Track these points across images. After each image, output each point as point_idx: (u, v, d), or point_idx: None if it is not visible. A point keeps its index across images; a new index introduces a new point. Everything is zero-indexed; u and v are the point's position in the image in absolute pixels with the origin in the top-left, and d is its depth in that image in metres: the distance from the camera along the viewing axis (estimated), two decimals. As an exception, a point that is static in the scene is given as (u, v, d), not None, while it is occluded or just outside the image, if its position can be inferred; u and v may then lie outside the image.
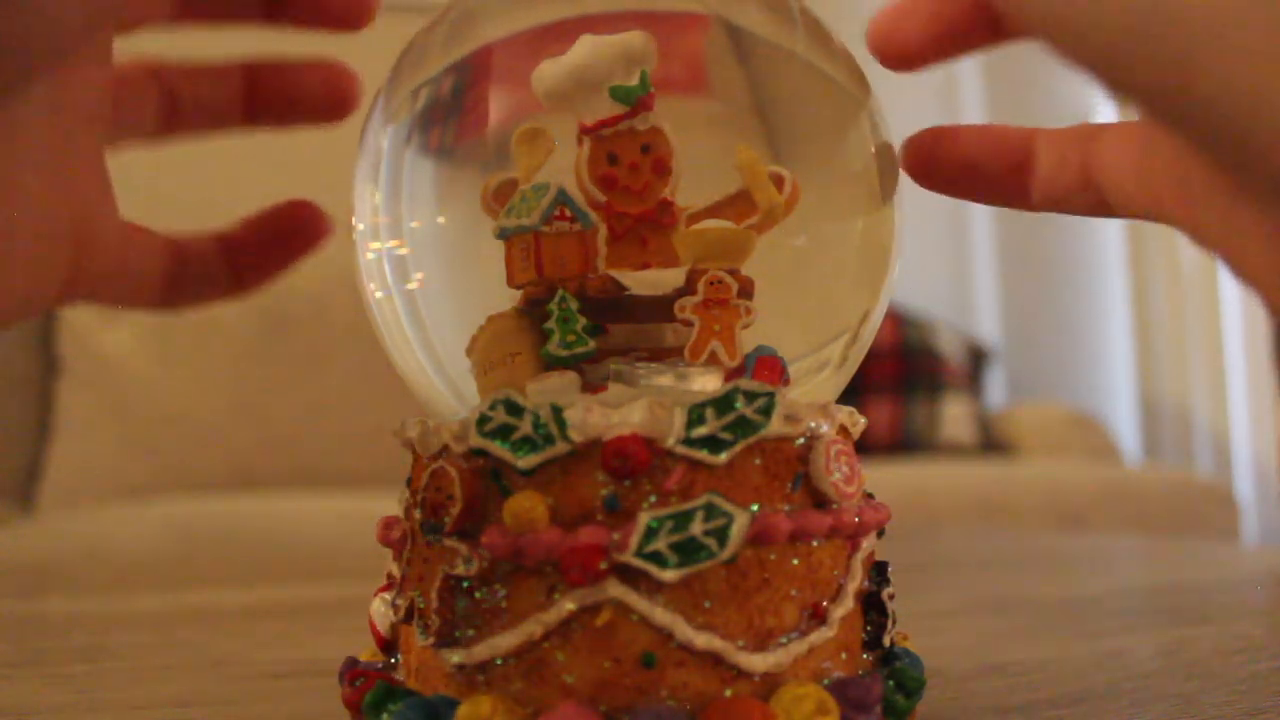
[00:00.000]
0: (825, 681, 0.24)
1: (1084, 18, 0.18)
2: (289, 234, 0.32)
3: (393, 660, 0.27)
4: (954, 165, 0.28)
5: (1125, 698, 0.32)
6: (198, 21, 0.31)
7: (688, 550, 0.22)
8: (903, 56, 0.27)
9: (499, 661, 0.23)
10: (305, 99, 0.32)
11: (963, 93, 2.41)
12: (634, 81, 0.27)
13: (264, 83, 0.31)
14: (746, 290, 0.26)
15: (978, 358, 2.21)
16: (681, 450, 0.23)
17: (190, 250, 0.31)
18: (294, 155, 1.56)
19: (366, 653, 0.29)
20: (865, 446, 0.28)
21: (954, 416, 2.03)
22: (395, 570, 0.27)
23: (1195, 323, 2.32)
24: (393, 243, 0.30)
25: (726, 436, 0.23)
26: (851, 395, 0.28)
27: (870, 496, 0.27)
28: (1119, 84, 0.19)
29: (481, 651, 0.24)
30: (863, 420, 0.28)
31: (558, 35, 0.28)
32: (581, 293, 0.26)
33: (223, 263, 0.31)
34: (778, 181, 0.28)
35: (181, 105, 0.31)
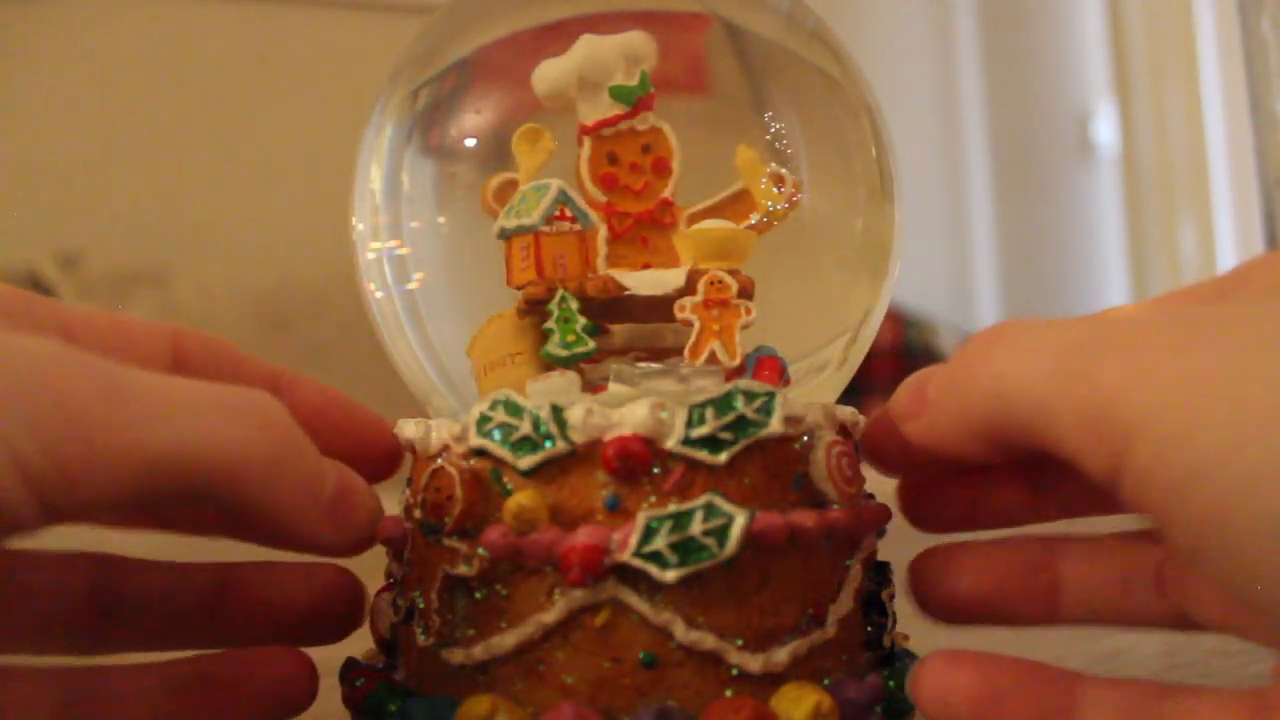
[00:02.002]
0: (825, 681, 0.24)
1: None
2: None
3: (393, 660, 0.27)
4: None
5: (1125, 698, 0.32)
6: (120, 647, 0.25)
7: (688, 550, 0.22)
8: (949, 609, 0.26)
9: (499, 661, 0.23)
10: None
11: (963, 91, 2.41)
12: (634, 81, 0.27)
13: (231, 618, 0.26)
14: (746, 290, 0.26)
15: (978, 358, 2.21)
16: (681, 450, 0.23)
17: (108, 692, 0.23)
18: (294, 155, 1.56)
19: (366, 653, 0.29)
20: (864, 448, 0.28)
21: (954, 416, 2.03)
22: (395, 570, 0.27)
23: (1195, 323, 2.32)
24: (393, 243, 0.30)
25: (726, 436, 0.23)
26: (851, 395, 0.28)
27: (870, 496, 0.27)
28: None
29: (481, 651, 0.24)
30: (863, 420, 0.28)
31: (558, 35, 0.28)
32: (581, 293, 0.26)
33: (159, 711, 0.23)
34: (778, 181, 0.28)
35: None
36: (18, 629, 0.23)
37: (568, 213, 0.27)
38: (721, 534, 0.22)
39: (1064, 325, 0.20)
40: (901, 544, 0.28)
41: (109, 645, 0.25)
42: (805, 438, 0.25)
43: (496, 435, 0.24)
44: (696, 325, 0.26)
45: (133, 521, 0.25)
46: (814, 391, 0.30)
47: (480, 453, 0.24)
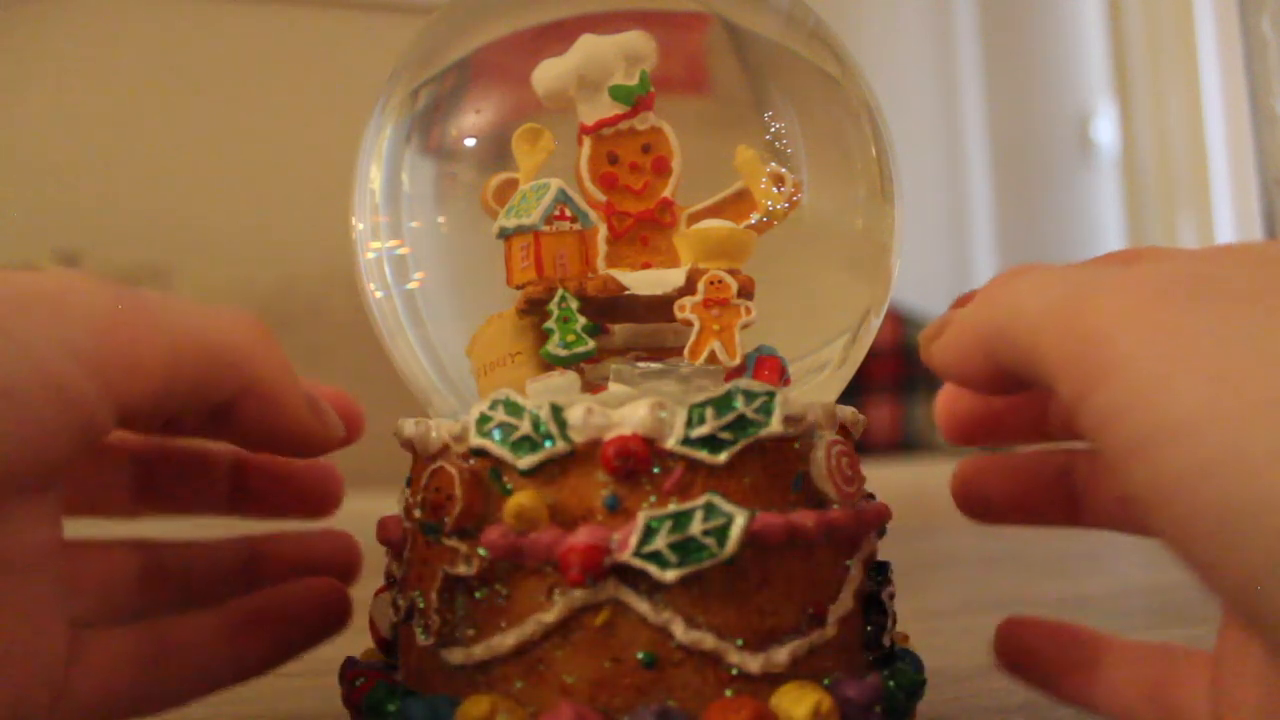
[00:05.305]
0: (825, 681, 0.24)
1: None
2: (307, 619, 0.29)
3: (393, 660, 0.27)
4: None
5: (1125, 698, 0.32)
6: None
7: (687, 550, 0.22)
8: (983, 510, 0.28)
9: (499, 661, 0.23)
10: (291, 500, 0.30)
11: (963, 91, 2.41)
12: (634, 81, 0.27)
13: (251, 481, 0.30)
14: (746, 290, 0.26)
15: (978, 357, 2.21)
16: (681, 450, 0.23)
17: (174, 639, 0.26)
18: (295, 155, 1.56)
19: (366, 653, 0.29)
20: (865, 446, 0.28)
21: (954, 416, 2.03)
22: (395, 570, 0.27)
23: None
24: (393, 243, 0.30)
25: (726, 436, 0.23)
26: (851, 395, 0.28)
27: (870, 496, 0.27)
28: None
29: (481, 651, 0.24)
30: (863, 420, 0.28)
31: (558, 35, 0.28)
32: (581, 292, 0.26)
33: (221, 649, 0.27)
34: (778, 181, 0.28)
35: (159, 489, 0.29)
36: (82, 607, 0.25)
37: (567, 212, 0.27)
38: (721, 534, 0.22)
39: (1078, 269, 0.21)
40: (901, 543, 0.28)
41: (164, 615, 0.28)
42: (805, 438, 0.25)
43: (496, 435, 0.24)
44: (696, 325, 0.26)
45: (138, 508, 0.29)
46: (814, 391, 0.30)
47: (480, 452, 0.24)
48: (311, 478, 0.31)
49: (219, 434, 0.26)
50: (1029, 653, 0.26)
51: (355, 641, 0.30)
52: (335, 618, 0.29)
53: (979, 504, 0.28)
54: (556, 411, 0.23)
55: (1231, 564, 0.16)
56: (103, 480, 0.28)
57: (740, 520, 0.22)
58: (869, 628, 0.26)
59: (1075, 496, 0.27)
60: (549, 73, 0.27)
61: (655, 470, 0.23)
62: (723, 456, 0.23)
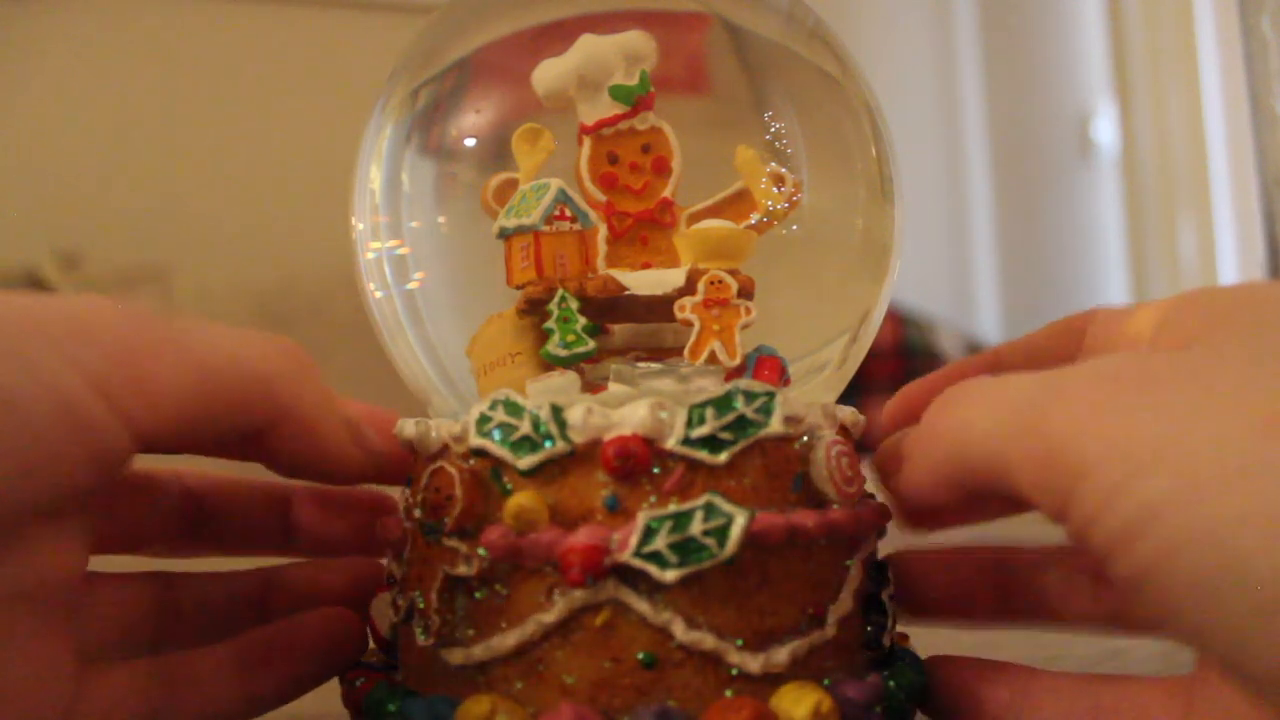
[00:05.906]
0: (825, 681, 0.24)
1: None
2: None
3: (393, 660, 0.27)
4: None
5: (1125, 698, 0.32)
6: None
7: (687, 550, 0.22)
8: (917, 608, 0.28)
9: (499, 661, 0.23)
10: (347, 533, 0.30)
11: (963, 91, 2.41)
12: (634, 81, 0.27)
13: (303, 514, 0.30)
14: (746, 290, 0.26)
15: (978, 357, 2.21)
16: (681, 450, 0.23)
17: (184, 675, 0.26)
18: (294, 155, 1.56)
19: (366, 653, 0.29)
20: (865, 446, 0.28)
21: (954, 416, 2.02)
22: (395, 570, 0.27)
23: (1195, 323, 2.32)
24: (393, 243, 0.30)
25: (726, 436, 0.23)
26: (851, 395, 0.28)
27: (870, 496, 0.27)
28: None
29: (481, 652, 0.24)
30: (863, 420, 0.28)
31: (558, 35, 0.28)
32: (581, 292, 0.26)
33: (231, 683, 0.26)
34: (778, 181, 0.28)
35: (210, 524, 0.28)
36: (94, 641, 0.25)
37: (567, 212, 0.27)
38: (721, 534, 0.22)
39: (1020, 379, 0.21)
40: (901, 544, 0.28)
41: (177, 648, 0.27)
42: (805, 438, 0.25)
43: (496, 435, 0.24)
44: (696, 325, 0.26)
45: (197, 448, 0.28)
46: (814, 391, 0.30)
47: (480, 453, 0.24)
48: (369, 510, 0.30)
49: (253, 459, 0.26)
50: (959, 694, 0.26)
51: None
52: (349, 649, 0.28)
53: (917, 601, 0.28)
54: (556, 411, 0.23)
55: (1216, 630, 0.17)
56: (148, 518, 0.27)
57: (740, 520, 0.22)
58: (869, 628, 0.26)
59: (1007, 591, 0.27)
60: (549, 73, 0.27)
61: (655, 470, 0.23)
62: (723, 457, 0.23)
